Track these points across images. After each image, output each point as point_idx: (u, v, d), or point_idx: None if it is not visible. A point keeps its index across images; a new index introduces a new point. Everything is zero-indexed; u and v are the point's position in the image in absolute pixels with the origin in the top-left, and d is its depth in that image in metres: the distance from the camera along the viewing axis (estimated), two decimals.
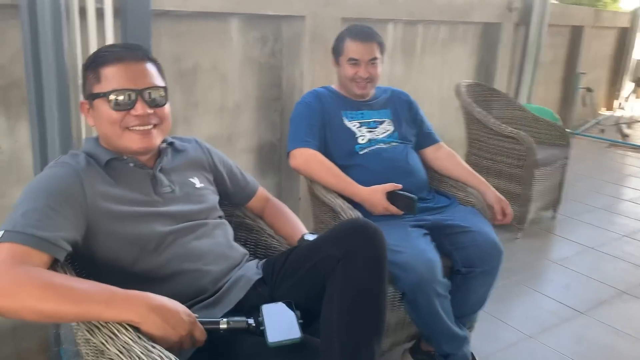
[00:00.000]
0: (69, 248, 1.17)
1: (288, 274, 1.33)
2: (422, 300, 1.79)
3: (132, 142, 1.30)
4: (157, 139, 1.34)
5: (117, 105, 1.27)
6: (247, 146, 2.65)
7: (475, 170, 3.31)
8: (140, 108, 1.27)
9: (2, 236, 1.09)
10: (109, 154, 1.32)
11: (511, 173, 3.19)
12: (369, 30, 2.12)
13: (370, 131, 2.12)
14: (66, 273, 1.16)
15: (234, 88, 2.51)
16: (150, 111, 1.29)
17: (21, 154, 1.90)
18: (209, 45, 2.38)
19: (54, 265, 1.15)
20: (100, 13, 1.81)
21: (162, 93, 1.33)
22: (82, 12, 1.77)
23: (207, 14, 2.29)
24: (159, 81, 1.33)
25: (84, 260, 1.30)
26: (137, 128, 1.29)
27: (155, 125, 1.32)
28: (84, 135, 1.82)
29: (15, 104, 1.86)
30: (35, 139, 1.75)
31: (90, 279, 1.33)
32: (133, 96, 1.27)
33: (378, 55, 2.11)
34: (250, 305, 1.29)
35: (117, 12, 1.86)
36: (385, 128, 2.16)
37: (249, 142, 2.65)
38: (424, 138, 2.29)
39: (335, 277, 1.21)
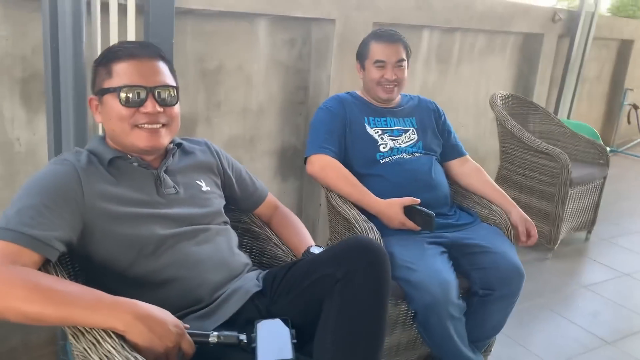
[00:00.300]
0: (62, 248, 1.15)
1: (286, 289, 1.27)
2: (434, 322, 1.71)
3: (139, 139, 1.28)
4: (164, 138, 1.32)
5: (127, 102, 1.25)
6: (269, 149, 2.61)
7: (507, 186, 3.26)
8: (150, 106, 1.25)
9: None
10: (112, 153, 1.30)
11: (543, 190, 3.06)
12: (394, 32, 2.06)
13: (393, 139, 2.05)
14: (57, 274, 1.14)
15: (258, 90, 2.48)
16: (159, 109, 1.27)
17: (38, 146, 1.91)
18: (235, 46, 2.35)
19: (45, 265, 1.13)
20: (122, 9, 1.80)
21: (173, 93, 1.31)
22: (104, 7, 1.75)
23: (235, 14, 2.26)
24: (170, 80, 1.32)
25: (80, 260, 1.28)
26: (146, 126, 1.27)
27: (163, 125, 1.30)
28: (100, 131, 1.81)
29: (36, 96, 1.87)
30: (51, 132, 1.75)
31: (86, 279, 1.34)
32: (143, 93, 1.25)
33: (404, 57, 2.04)
34: (245, 319, 1.24)
35: (140, 9, 1.84)
36: (409, 137, 2.09)
37: (272, 144, 2.61)
38: (450, 150, 2.20)
39: (333, 299, 1.15)
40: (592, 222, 3.33)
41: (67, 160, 1.24)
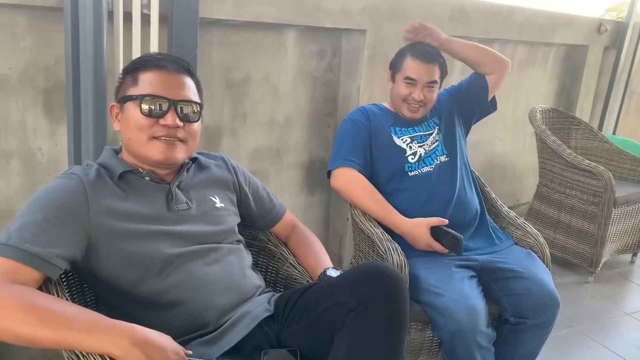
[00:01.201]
0: (65, 266, 1.11)
1: (298, 315, 1.20)
2: (460, 350, 1.61)
3: (155, 151, 1.24)
4: (180, 153, 1.28)
5: (148, 111, 1.22)
6: (296, 161, 2.55)
7: (546, 204, 3.11)
8: (170, 118, 1.23)
9: None
10: (124, 166, 1.26)
11: (585, 210, 2.89)
12: (433, 51, 1.96)
13: (421, 145, 1.96)
14: (57, 292, 1.10)
15: (285, 101, 2.43)
16: (180, 123, 1.24)
17: (59, 156, 1.90)
18: (262, 57, 2.31)
19: (46, 283, 1.09)
20: (145, 19, 1.78)
21: (196, 109, 1.28)
22: (127, 17, 1.73)
23: (262, 24, 2.21)
24: (195, 97, 1.29)
25: (86, 278, 1.24)
26: (163, 138, 1.24)
27: (181, 140, 1.27)
28: (120, 143, 1.79)
29: (58, 106, 1.86)
30: (71, 142, 1.74)
31: (94, 297, 1.30)
32: (165, 105, 1.23)
33: (437, 79, 1.95)
34: (253, 345, 1.18)
35: (163, 19, 1.82)
36: (435, 138, 2.00)
37: (299, 157, 2.55)
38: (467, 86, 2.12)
39: (345, 329, 1.08)
40: (638, 245, 3.14)
41: (74, 175, 1.20)
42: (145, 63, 1.27)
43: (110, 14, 1.71)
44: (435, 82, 1.94)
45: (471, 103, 2.10)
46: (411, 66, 1.94)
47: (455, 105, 2.09)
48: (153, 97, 1.22)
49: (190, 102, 1.26)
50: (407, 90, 1.94)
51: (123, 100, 1.26)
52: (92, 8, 1.59)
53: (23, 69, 1.78)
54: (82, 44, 1.63)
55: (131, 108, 1.24)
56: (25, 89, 1.80)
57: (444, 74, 1.99)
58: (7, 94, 1.78)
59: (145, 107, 1.22)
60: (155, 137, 1.24)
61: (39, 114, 1.84)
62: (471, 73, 2.13)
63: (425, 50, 1.95)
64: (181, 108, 1.24)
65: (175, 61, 1.29)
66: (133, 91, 1.24)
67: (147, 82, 1.24)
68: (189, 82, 1.29)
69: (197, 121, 1.29)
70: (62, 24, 1.72)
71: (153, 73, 1.25)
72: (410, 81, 1.93)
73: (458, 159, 2.00)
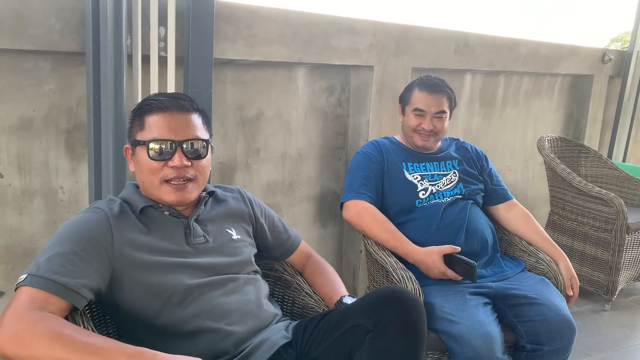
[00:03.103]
0: (90, 296, 1.15)
1: (317, 341, 1.22)
2: None
3: (166, 195, 1.30)
4: (192, 193, 1.33)
5: (156, 154, 1.27)
6: (308, 194, 2.59)
7: (558, 232, 3.11)
8: (177, 159, 1.27)
9: (24, 279, 1.09)
10: (144, 202, 1.31)
11: (598, 237, 2.89)
12: (440, 82, 2.03)
13: (433, 184, 2.00)
14: (83, 323, 1.13)
15: (297, 136, 2.49)
16: (187, 163, 1.28)
17: (80, 194, 1.96)
18: (274, 94, 2.38)
19: (72, 313, 1.13)
20: (163, 61, 1.86)
21: (203, 145, 1.32)
22: (145, 59, 1.81)
23: (273, 63, 2.30)
24: (201, 133, 1.33)
25: (109, 309, 1.27)
26: (173, 183, 1.29)
27: (190, 180, 1.31)
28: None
29: (80, 146, 1.93)
30: (92, 181, 1.80)
31: (116, 328, 1.33)
32: (172, 147, 1.27)
33: (446, 109, 2.00)
34: None
35: (180, 60, 1.90)
36: (450, 179, 2.03)
37: (311, 190, 2.60)
38: (494, 194, 2.13)
39: (363, 351, 1.10)
40: None
41: (99, 209, 1.26)
42: (149, 106, 1.31)
43: (130, 57, 1.79)
44: (443, 112, 1.99)
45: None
46: (419, 98, 2.00)
47: (478, 174, 2.13)
48: (159, 141, 1.27)
49: (195, 139, 1.30)
50: (416, 121, 2.00)
51: (134, 144, 1.32)
52: (112, 52, 1.67)
53: (47, 111, 1.86)
54: (102, 85, 1.70)
55: (141, 152, 1.29)
56: (48, 130, 1.88)
57: (452, 104, 2.04)
58: (31, 136, 1.85)
59: (152, 151, 1.27)
60: (166, 181, 1.29)
61: (61, 154, 1.91)
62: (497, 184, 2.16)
63: (432, 82, 2.02)
64: (187, 147, 1.28)
65: (178, 101, 1.32)
66: (141, 136, 1.30)
67: (152, 125, 1.29)
68: (193, 118, 1.32)
69: (205, 157, 1.33)
70: (84, 68, 1.80)
71: (158, 116, 1.29)
72: (420, 112, 1.99)
73: (470, 196, 2.04)
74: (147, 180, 1.30)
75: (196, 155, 1.30)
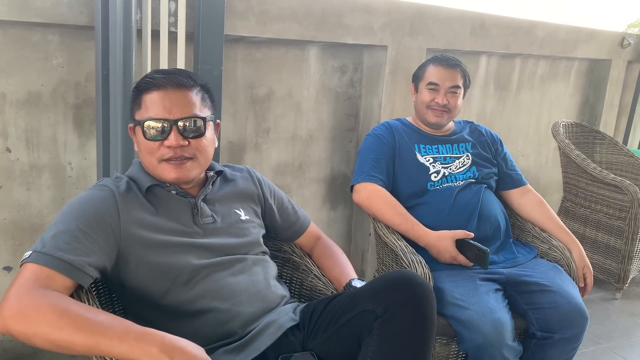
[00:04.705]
0: (96, 274, 1.13)
1: (324, 324, 1.21)
2: None
3: (166, 173, 1.26)
4: (192, 171, 1.28)
5: (151, 135, 1.23)
6: (318, 176, 2.57)
7: (571, 219, 3.06)
8: (173, 139, 1.23)
9: (29, 256, 1.08)
10: (150, 180, 1.29)
11: (611, 225, 2.85)
12: (454, 59, 1.99)
13: (445, 167, 1.96)
14: (88, 301, 1.12)
15: (308, 116, 2.45)
16: (183, 143, 1.24)
17: (88, 170, 1.94)
18: (285, 73, 2.34)
19: (77, 291, 1.12)
20: (173, 37, 1.82)
21: (200, 124, 1.26)
22: (155, 34, 1.78)
23: (285, 41, 2.25)
24: (199, 111, 1.27)
25: (115, 288, 1.26)
26: (171, 161, 1.25)
27: (190, 158, 1.26)
28: None
29: (88, 122, 1.91)
30: (100, 157, 1.78)
31: (122, 307, 1.32)
32: (167, 126, 1.23)
33: (460, 84, 1.96)
34: (278, 354, 1.18)
35: (190, 37, 1.86)
36: (463, 162, 1.99)
37: (321, 172, 2.57)
38: (507, 178, 2.09)
39: (371, 336, 1.08)
40: None
41: (106, 187, 1.24)
42: (145, 84, 1.26)
43: (139, 32, 1.76)
44: (457, 86, 1.96)
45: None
46: (433, 72, 1.96)
47: (492, 157, 2.09)
48: (154, 120, 1.22)
49: (191, 117, 1.24)
50: (430, 96, 1.96)
51: (133, 123, 1.29)
52: (122, 26, 1.64)
53: (55, 85, 1.84)
54: (111, 61, 1.68)
55: (139, 132, 1.26)
56: (56, 105, 1.85)
57: (467, 82, 2.00)
58: (39, 110, 1.83)
59: (147, 131, 1.23)
60: (164, 160, 1.25)
61: (69, 129, 1.89)
62: (513, 170, 2.12)
63: (446, 57, 1.98)
64: (183, 126, 1.23)
65: (174, 77, 1.26)
66: (138, 115, 1.26)
67: (149, 104, 1.24)
68: (191, 96, 1.26)
69: (203, 135, 1.27)
70: (93, 42, 1.77)
71: (153, 94, 1.24)
72: (433, 86, 1.95)
73: (484, 180, 2.00)
74: (146, 160, 1.28)
75: (194, 134, 1.25)
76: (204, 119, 1.27)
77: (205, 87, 1.33)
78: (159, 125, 1.23)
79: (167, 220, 1.25)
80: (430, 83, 1.96)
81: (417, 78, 2.04)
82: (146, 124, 1.23)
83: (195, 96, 1.28)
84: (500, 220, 1.93)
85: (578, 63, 3.60)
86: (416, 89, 2.04)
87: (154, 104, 1.23)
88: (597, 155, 3.37)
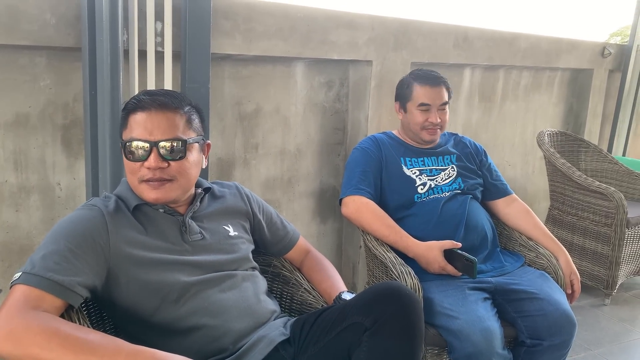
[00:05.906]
0: (86, 294, 1.14)
1: (315, 338, 1.21)
2: None
3: (145, 193, 1.27)
4: (172, 192, 1.28)
5: (132, 155, 1.25)
6: (307, 190, 2.58)
7: (558, 227, 3.10)
8: (152, 160, 1.23)
9: (19, 277, 1.09)
10: (138, 199, 1.30)
11: (598, 232, 2.89)
12: (436, 74, 2.03)
13: (431, 178, 1.99)
14: (79, 320, 1.12)
15: (296, 131, 2.48)
16: (162, 164, 1.24)
17: (77, 190, 1.95)
18: (273, 89, 2.37)
19: (68, 311, 1.12)
20: (160, 56, 1.84)
21: (180, 146, 1.26)
22: (142, 54, 1.80)
23: (271, 58, 2.28)
24: (181, 133, 1.27)
25: (106, 307, 1.27)
26: (150, 183, 1.26)
27: (169, 180, 1.26)
28: None
29: (77, 142, 1.92)
30: (89, 177, 1.79)
31: (113, 326, 1.33)
32: (147, 148, 1.24)
33: (446, 99, 2.01)
34: None
35: (176, 55, 1.89)
36: (448, 174, 2.02)
37: (310, 186, 2.59)
38: (493, 188, 2.12)
39: (361, 349, 1.09)
40: None
41: (94, 206, 1.25)
42: (131, 105, 1.27)
43: (126, 52, 1.78)
44: (446, 103, 2.01)
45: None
46: (422, 93, 1.99)
47: (477, 168, 2.12)
48: (136, 141, 1.24)
49: (172, 140, 1.24)
50: (423, 117, 1.99)
51: (121, 143, 1.29)
52: (109, 47, 1.66)
53: (43, 107, 1.85)
54: (99, 81, 1.69)
55: (122, 152, 1.27)
56: (44, 126, 1.86)
57: (450, 93, 2.05)
58: (27, 132, 1.84)
59: (128, 152, 1.25)
60: (143, 180, 1.26)
61: (57, 150, 1.90)
62: (497, 179, 2.15)
63: (429, 75, 2.02)
64: (163, 148, 1.24)
65: (160, 98, 1.27)
66: (124, 135, 1.28)
67: (133, 125, 1.25)
68: (175, 118, 1.27)
69: (184, 157, 1.26)
70: (80, 63, 1.79)
71: (138, 115, 1.25)
72: (425, 107, 1.99)
73: (469, 191, 2.03)
74: (129, 179, 1.29)
75: (174, 156, 1.25)
76: (185, 142, 1.27)
77: (195, 107, 1.35)
78: (140, 145, 1.24)
79: (156, 238, 1.26)
80: (422, 104, 1.99)
81: (403, 98, 2.06)
82: (128, 144, 1.25)
83: (180, 118, 1.28)
84: (487, 229, 1.96)
85: (561, 73, 3.67)
86: (404, 109, 2.06)
87: (138, 125, 1.25)
88: (583, 163, 3.42)
